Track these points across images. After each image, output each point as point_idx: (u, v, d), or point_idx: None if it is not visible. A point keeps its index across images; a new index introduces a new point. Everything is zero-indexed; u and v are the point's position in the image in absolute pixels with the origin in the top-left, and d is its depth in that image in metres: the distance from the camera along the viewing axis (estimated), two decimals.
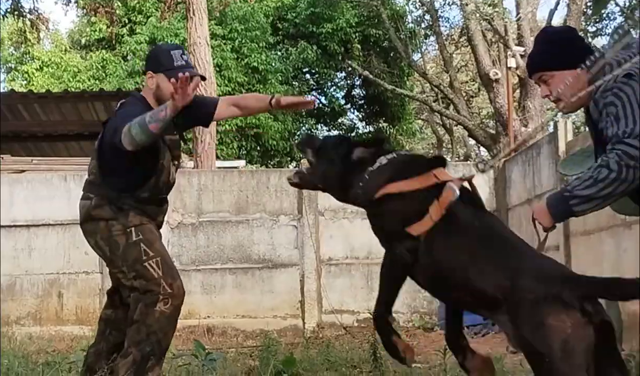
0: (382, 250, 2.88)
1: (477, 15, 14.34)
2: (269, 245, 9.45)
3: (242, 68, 17.23)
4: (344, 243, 9.49)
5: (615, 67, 2.62)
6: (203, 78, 3.66)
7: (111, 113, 3.85)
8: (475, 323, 7.66)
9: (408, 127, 20.98)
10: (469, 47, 16.23)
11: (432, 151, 24.28)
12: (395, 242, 2.76)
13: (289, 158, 19.12)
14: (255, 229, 9.45)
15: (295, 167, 14.88)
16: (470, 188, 2.84)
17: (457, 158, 22.91)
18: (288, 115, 17.67)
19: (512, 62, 13.28)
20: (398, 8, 18.48)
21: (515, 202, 9.23)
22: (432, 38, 20.19)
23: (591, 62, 2.67)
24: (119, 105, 3.68)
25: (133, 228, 3.52)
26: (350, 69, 19.03)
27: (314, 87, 20.50)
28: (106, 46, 19.82)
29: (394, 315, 2.87)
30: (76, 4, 20.67)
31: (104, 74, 18.29)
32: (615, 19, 16.84)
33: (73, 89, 16.03)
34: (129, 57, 18.28)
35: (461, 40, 20.93)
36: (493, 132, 15.10)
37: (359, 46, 19.05)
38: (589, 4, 13.70)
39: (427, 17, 18.12)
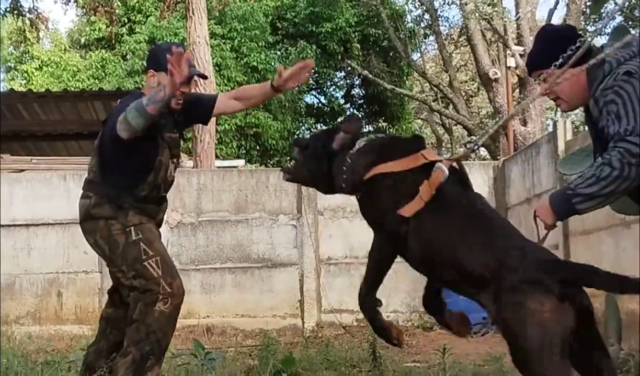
0: None
1: (477, 14, 14.32)
2: (268, 244, 9.44)
3: (242, 67, 17.23)
4: (343, 243, 9.48)
5: (614, 65, 2.62)
6: (204, 77, 3.65)
7: None
8: (475, 323, 7.65)
9: (407, 126, 20.96)
10: (469, 46, 16.24)
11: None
12: (386, 222, 2.79)
13: (289, 158, 19.10)
14: (255, 228, 9.44)
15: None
16: (458, 168, 2.86)
17: None
18: (287, 115, 17.67)
19: (511, 62, 13.30)
20: (397, 7, 18.49)
21: (515, 201, 9.23)
22: (432, 37, 20.21)
23: (591, 61, 2.68)
24: (118, 102, 3.69)
25: (132, 227, 3.52)
26: (349, 68, 19.03)
27: (314, 87, 20.50)
28: (106, 45, 19.81)
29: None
30: (75, 3, 20.63)
31: (103, 73, 18.29)
32: (614, 18, 16.82)
33: (72, 88, 16.04)
34: (128, 57, 18.28)
35: (460, 39, 20.94)
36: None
37: (358, 46, 19.03)
38: (588, 3, 13.70)
39: (427, 16, 18.11)
